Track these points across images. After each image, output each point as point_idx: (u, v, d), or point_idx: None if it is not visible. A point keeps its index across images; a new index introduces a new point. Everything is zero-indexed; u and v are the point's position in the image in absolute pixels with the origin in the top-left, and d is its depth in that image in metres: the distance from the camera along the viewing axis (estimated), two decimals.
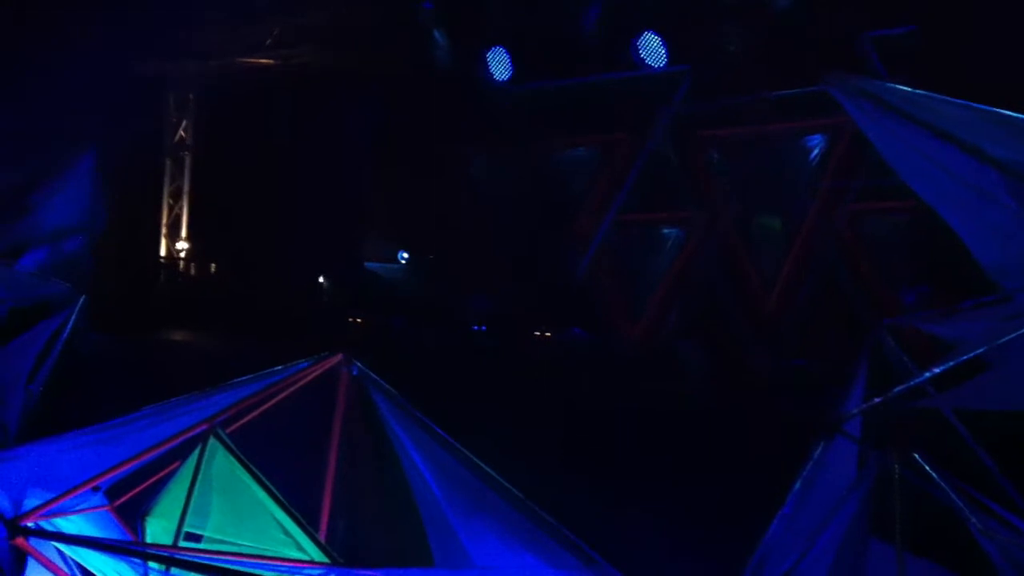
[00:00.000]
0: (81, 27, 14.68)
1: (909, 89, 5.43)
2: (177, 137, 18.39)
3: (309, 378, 6.47)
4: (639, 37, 14.27)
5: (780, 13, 13.70)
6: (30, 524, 6.07)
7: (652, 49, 14.25)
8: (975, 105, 5.12)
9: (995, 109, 5.06)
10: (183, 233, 18.29)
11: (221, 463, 6.09)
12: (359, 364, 6.43)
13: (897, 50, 12.90)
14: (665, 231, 15.45)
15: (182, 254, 18.19)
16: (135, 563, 6.00)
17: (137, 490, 6.51)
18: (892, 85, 5.33)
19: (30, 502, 6.24)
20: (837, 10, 13.45)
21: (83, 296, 7.76)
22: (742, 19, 14.09)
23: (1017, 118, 5.03)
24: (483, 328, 15.22)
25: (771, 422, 9.25)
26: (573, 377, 12.05)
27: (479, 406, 9.64)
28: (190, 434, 6.17)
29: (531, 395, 10.83)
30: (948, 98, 5.21)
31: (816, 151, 14.59)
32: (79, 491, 6.29)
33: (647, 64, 14.34)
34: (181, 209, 18.33)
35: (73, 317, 7.63)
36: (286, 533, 5.95)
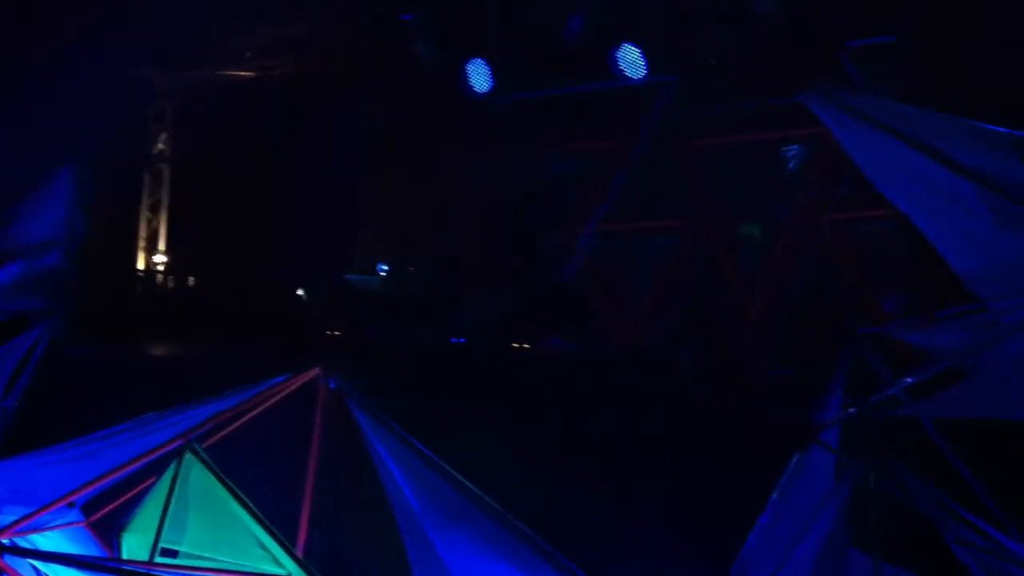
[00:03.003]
0: (57, 39, 14.62)
1: (885, 99, 5.46)
2: (156, 149, 18.32)
3: (287, 391, 6.44)
4: (618, 48, 14.28)
5: (760, 24, 13.76)
6: (5, 541, 6.02)
7: (631, 61, 14.26)
8: (951, 116, 5.15)
9: (970, 120, 5.09)
10: (161, 246, 18.20)
11: (198, 478, 6.05)
12: (337, 377, 6.41)
13: (874, 60, 12.97)
14: (649, 239, 15.49)
15: (160, 267, 18.11)
16: None
17: (113, 506, 6.47)
18: (868, 96, 5.35)
19: (5, 518, 6.20)
20: (816, 21, 13.52)
21: (59, 310, 7.72)
22: (722, 29, 14.14)
23: (992, 129, 5.06)
24: (462, 340, 15.18)
25: (755, 429, 9.24)
26: (554, 385, 12.03)
27: (459, 417, 9.63)
28: (166, 449, 6.13)
29: (511, 404, 10.81)
30: (923, 109, 5.24)
31: (799, 160, 14.65)
32: (55, 507, 6.25)
33: (626, 75, 14.35)
34: (159, 222, 18.25)
35: (49, 331, 7.58)
36: (263, 548, 5.91)
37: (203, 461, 6.06)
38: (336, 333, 15.68)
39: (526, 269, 15.58)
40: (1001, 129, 4.99)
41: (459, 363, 14.36)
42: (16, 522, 6.10)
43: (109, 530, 6.41)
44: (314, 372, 6.41)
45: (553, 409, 10.73)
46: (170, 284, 17.97)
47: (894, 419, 5.26)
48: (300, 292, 16.86)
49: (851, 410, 5.14)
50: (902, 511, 5.23)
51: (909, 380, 5.05)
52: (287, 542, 6.00)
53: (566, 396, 11.25)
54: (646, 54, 14.24)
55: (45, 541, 6.38)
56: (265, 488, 6.22)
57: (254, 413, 6.37)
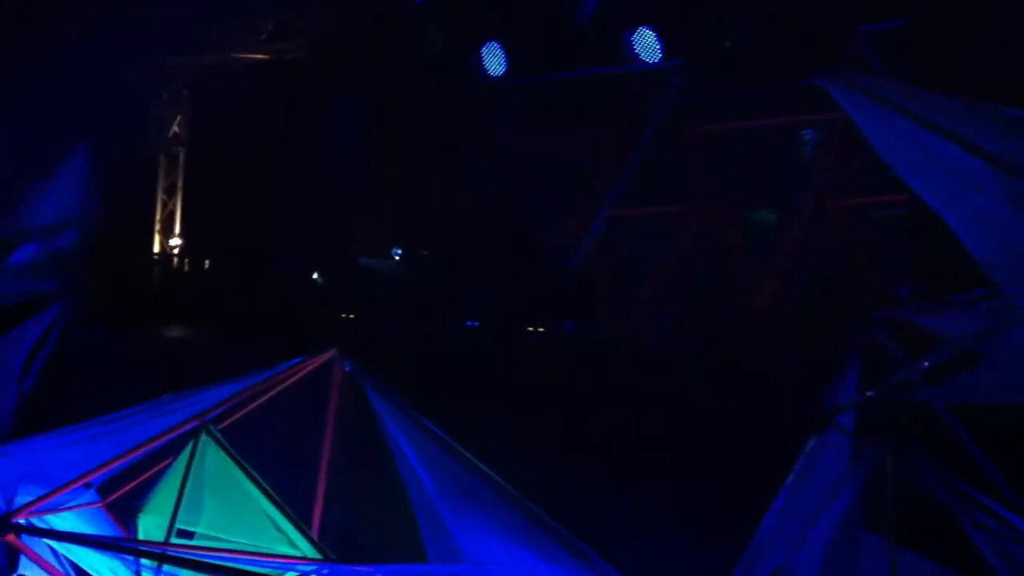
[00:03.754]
0: (74, 22, 14.63)
1: (901, 82, 5.43)
2: (171, 133, 18.36)
3: (303, 374, 6.45)
4: (633, 32, 14.22)
5: (775, 7, 13.68)
6: (22, 521, 6.06)
7: (647, 44, 14.20)
8: (967, 98, 5.12)
9: (987, 102, 5.06)
10: (176, 229, 18.25)
11: (213, 459, 6.08)
12: (352, 360, 6.42)
13: (890, 44, 12.90)
14: (657, 225, 15.43)
15: (176, 250, 18.16)
16: (127, 560, 5.98)
17: (129, 487, 6.49)
18: (884, 79, 5.33)
19: (22, 499, 6.23)
20: (832, 4, 13.44)
21: (75, 292, 7.74)
22: (737, 13, 14.06)
23: (1008, 111, 5.03)
24: (476, 324, 15.18)
25: (765, 416, 9.23)
26: (568, 372, 12.02)
27: (473, 403, 9.63)
28: (182, 430, 6.16)
29: (526, 391, 10.80)
30: (940, 91, 5.21)
31: (811, 145, 14.57)
32: (71, 487, 6.28)
33: (641, 59, 14.29)
34: (175, 205, 18.30)
35: (65, 313, 7.61)
36: (278, 529, 5.94)
37: (218, 442, 6.09)
38: (351, 316, 15.70)
39: (533, 256, 15.56)
40: (1015, 110, 4.96)
41: (470, 349, 14.34)
42: (33, 502, 6.14)
43: (125, 511, 6.44)
44: (330, 354, 6.42)
45: (554, 406, 10.73)
46: (186, 267, 18.02)
47: (910, 403, 5.24)
48: (316, 275, 16.89)
49: (868, 393, 5.12)
50: (917, 495, 5.22)
51: (925, 364, 5.03)
52: (302, 523, 6.02)
53: (568, 392, 11.25)
54: (661, 37, 14.18)
55: (61, 522, 6.41)
56: (280, 469, 6.24)
57: (270, 395, 6.39)
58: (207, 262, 17.92)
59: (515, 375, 11.54)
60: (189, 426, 6.14)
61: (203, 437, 6.10)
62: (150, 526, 6.29)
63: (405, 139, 16.72)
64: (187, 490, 6.03)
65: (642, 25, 14.16)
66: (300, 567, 5.91)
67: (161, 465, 6.34)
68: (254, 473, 6.01)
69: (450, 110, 15.77)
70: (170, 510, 6.04)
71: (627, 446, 9.81)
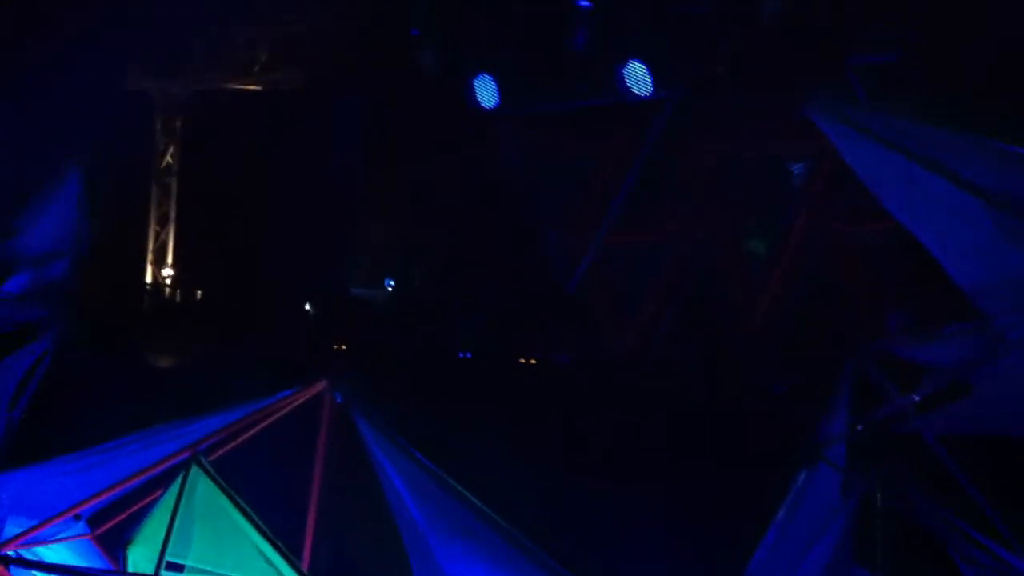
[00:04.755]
0: (68, 48, 14.67)
1: (888, 113, 5.47)
2: (164, 163, 18.39)
3: (293, 405, 6.44)
4: (624, 65, 14.32)
5: (765, 37, 13.80)
6: (11, 552, 6.03)
7: (638, 77, 14.29)
8: (954, 130, 5.16)
9: (974, 134, 5.10)
10: (169, 259, 18.24)
11: (203, 491, 6.06)
12: (343, 391, 6.41)
13: (879, 76, 13.00)
14: (652, 248, 15.48)
15: (167, 280, 18.14)
16: None
17: (119, 518, 6.47)
18: (871, 110, 5.36)
19: (11, 530, 6.21)
20: (821, 36, 13.55)
21: (66, 321, 7.73)
22: (728, 42, 14.17)
23: (995, 143, 5.07)
24: (468, 356, 15.17)
25: (757, 442, 9.23)
26: (562, 396, 12.03)
27: (467, 431, 9.62)
28: (172, 461, 6.14)
29: (522, 415, 10.80)
30: (926, 123, 5.25)
31: (803, 171, 14.65)
32: (60, 519, 6.25)
33: (633, 92, 14.38)
34: (167, 235, 18.29)
35: (56, 342, 7.59)
36: (268, 562, 5.91)
37: (209, 474, 6.07)
38: (342, 347, 15.68)
39: (529, 276, 15.59)
40: (1005, 144, 5.00)
41: (464, 374, 14.36)
42: (22, 534, 6.11)
43: (115, 543, 6.41)
44: (321, 385, 6.41)
45: (554, 417, 10.75)
46: (178, 298, 17.99)
47: (899, 435, 5.25)
48: (307, 306, 16.87)
49: (858, 427, 5.12)
50: (908, 528, 5.21)
51: (916, 397, 5.04)
52: (292, 556, 6.00)
53: (567, 404, 11.27)
54: (652, 70, 14.28)
55: (50, 553, 6.39)
56: (270, 501, 6.22)
57: (261, 426, 6.38)
58: (199, 292, 17.90)
59: (507, 400, 11.55)
60: (180, 457, 6.12)
61: (193, 468, 6.08)
62: (139, 558, 6.26)
63: (400, 157, 16.80)
64: (177, 522, 6.00)
65: (633, 58, 14.25)
66: None
67: (151, 497, 6.32)
68: (244, 505, 5.99)
69: (449, 135, 15.86)
70: (160, 542, 6.01)
71: (627, 455, 9.81)
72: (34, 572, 6.20)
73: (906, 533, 5.22)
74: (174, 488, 6.08)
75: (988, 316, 5.07)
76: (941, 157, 5.07)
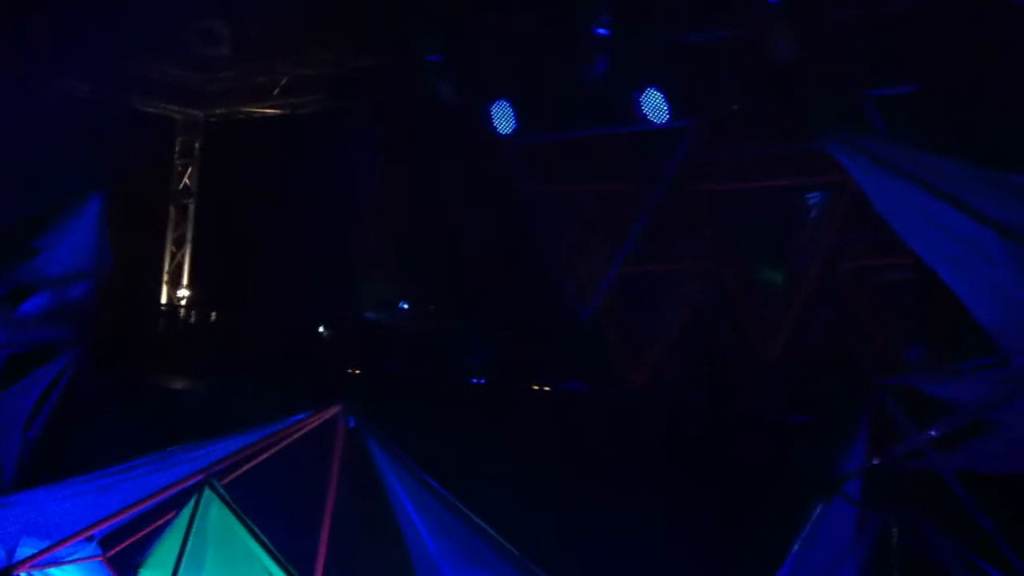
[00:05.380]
0: (90, 69, 14.79)
1: (906, 147, 5.46)
2: (181, 184, 18.49)
3: (306, 429, 6.43)
4: (642, 93, 14.34)
5: (783, 70, 13.78)
6: (23, 574, 6.03)
7: (654, 104, 14.31)
8: (972, 164, 5.14)
9: (994, 169, 5.08)
10: (184, 280, 18.31)
11: (216, 514, 6.05)
12: (356, 415, 6.40)
13: (899, 109, 12.97)
14: (666, 282, 15.44)
15: (183, 301, 18.21)
16: None
17: (131, 540, 6.46)
18: (890, 143, 5.35)
19: (24, 551, 6.21)
20: (840, 68, 13.54)
21: (85, 342, 7.75)
22: (745, 75, 14.17)
23: (1014, 177, 5.05)
24: (483, 382, 15.16)
25: (770, 476, 9.18)
26: (574, 425, 11.99)
27: (477, 456, 9.60)
28: (185, 484, 6.13)
29: (531, 443, 10.78)
30: (946, 157, 5.23)
31: (819, 206, 14.61)
32: (73, 540, 6.25)
33: (649, 120, 14.40)
34: (183, 256, 18.37)
35: (74, 363, 7.62)
36: None
37: (221, 497, 6.06)
38: (356, 371, 15.68)
39: (542, 309, 15.57)
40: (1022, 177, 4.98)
41: (476, 401, 14.35)
42: (35, 555, 6.12)
43: (127, 565, 6.41)
44: (334, 410, 6.41)
45: (567, 443, 10.72)
46: (192, 319, 18.05)
47: (917, 471, 5.21)
48: (321, 329, 16.90)
49: (875, 461, 5.09)
50: (924, 565, 5.17)
51: (933, 433, 5.01)
52: None
53: (579, 432, 11.23)
54: (669, 99, 14.29)
55: (63, 574, 6.38)
56: (283, 525, 6.21)
57: (274, 450, 6.37)
58: (214, 313, 17.94)
59: (517, 427, 11.53)
60: (193, 480, 6.12)
61: (206, 491, 6.08)
62: None
63: (416, 190, 16.84)
64: (189, 545, 6.00)
65: (650, 86, 14.27)
66: None
67: (164, 519, 6.32)
68: (256, 529, 5.98)
69: (466, 161, 15.90)
70: (171, 565, 6.00)
71: (638, 487, 9.76)
72: None
73: (922, 569, 5.18)
74: (186, 511, 6.08)
75: (1008, 354, 5.04)
76: (959, 190, 5.05)
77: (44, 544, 6.17)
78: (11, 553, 6.15)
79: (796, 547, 5.12)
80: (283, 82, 17.20)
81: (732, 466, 9.83)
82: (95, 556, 6.48)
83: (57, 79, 14.75)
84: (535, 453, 10.36)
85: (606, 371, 14.93)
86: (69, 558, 6.31)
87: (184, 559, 5.99)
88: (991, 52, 11.89)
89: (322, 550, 6.42)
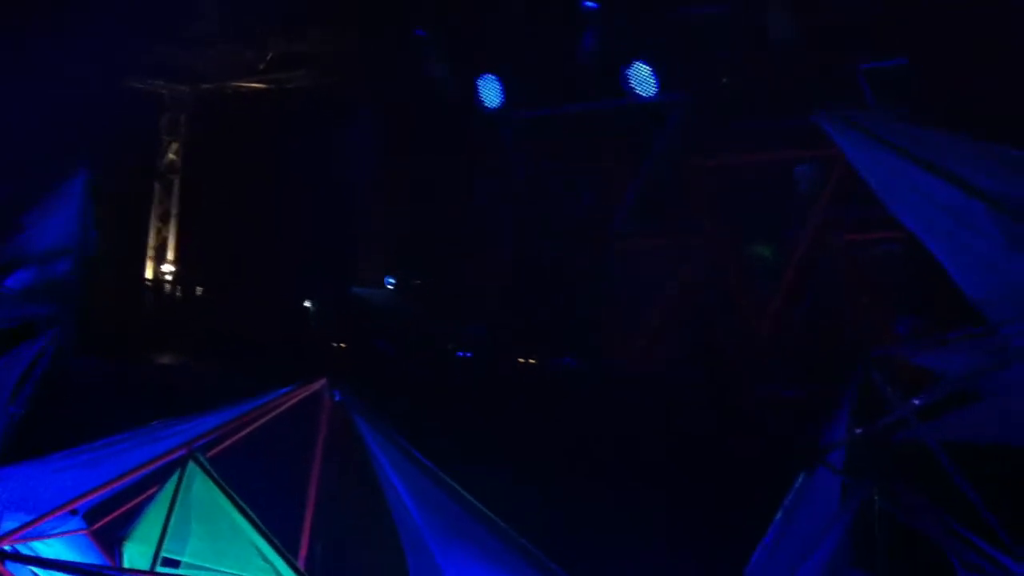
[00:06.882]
0: (75, 45, 14.68)
1: (897, 121, 5.44)
2: (167, 160, 18.38)
3: (292, 403, 6.41)
4: (629, 66, 14.29)
5: (773, 44, 13.75)
6: (7, 547, 6.02)
7: (642, 79, 14.27)
8: (963, 137, 5.13)
9: (986, 142, 5.07)
10: (169, 256, 18.23)
11: (200, 488, 6.04)
12: (342, 388, 6.38)
13: (889, 82, 12.95)
14: (659, 257, 15.43)
15: (168, 277, 18.14)
16: None
17: (115, 514, 6.45)
18: (880, 117, 5.34)
19: (7, 524, 6.19)
20: (830, 42, 13.51)
21: (67, 318, 7.70)
22: (735, 49, 14.14)
23: (1004, 150, 5.04)
24: (468, 355, 15.14)
25: (759, 449, 9.20)
26: (563, 403, 11.99)
27: (464, 432, 9.60)
28: (169, 458, 6.11)
29: (517, 420, 10.77)
30: (938, 130, 5.22)
31: (810, 180, 14.61)
32: (57, 514, 6.23)
33: (637, 93, 14.36)
34: (168, 232, 18.28)
35: (57, 339, 7.57)
36: (265, 559, 5.89)
37: (206, 471, 6.05)
38: (342, 345, 15.67)
39: (534, 285, 15.56)
40: (1014, 150, 4.97)
41: (463, 376, 14.34)
42: (18, 528, 6.10)
43: (111, 539, 6.40)
44: (320, 383, 6.39)
45: (554, 418, 10.71)
46: (178, 294, 17.99)
47: (901, 441, 5.22)
48: (307, 304, 16.86)
49: (858, 431, 5.10)
50: (907, 534, 5.19)
51: (917, 402, 5.01)
52: (288, 553, 5.97)
53: (568, 406, 11.23)
54: (657, 72, 14.26)
55: (47, 548, 6.37)
56: (268, 499, 6.20)
57: (259, 423, 6.35)
58: (199, 289, 17.89)
59: (505, 403, 11.52)
60: (177, 454, 6.10)
61: (190, 465, 6.06)
62: (135, 555, 6.25)
63: (404, 165, 16.79)
64: (173, 519, 5.99)
65: (638, 59, 14.23)
66: None
67: (148, 493, 6.30)
68: (241, 502, 5.97)
69: (455, 137, 15.84)
70: (156, 539, 5.99)
71: (628, 467, 9.77)
72: (30, 567, 6.18)
73: (905, 538, 5.19)
74: (171, 484, 6.06)
75: (995, 324, 5.04)
76: (949, 163, 5.04)
77: (28, 518, 6.15)
78: None
79: (779, 516, 5.14)
80: (269, 57, 17.09)
81: (719, 437, 9.85)
82: (79, 530, 6.46)
83: (43, 56, 14.62)
84: (520, 425, 10.36)
85: (597, 349, 14.93)
86: (53, 532, 6.30)
87: (169, 532, 5.98)
88: (981, 25, 11.88)
89: (307, 522, 6.42)
